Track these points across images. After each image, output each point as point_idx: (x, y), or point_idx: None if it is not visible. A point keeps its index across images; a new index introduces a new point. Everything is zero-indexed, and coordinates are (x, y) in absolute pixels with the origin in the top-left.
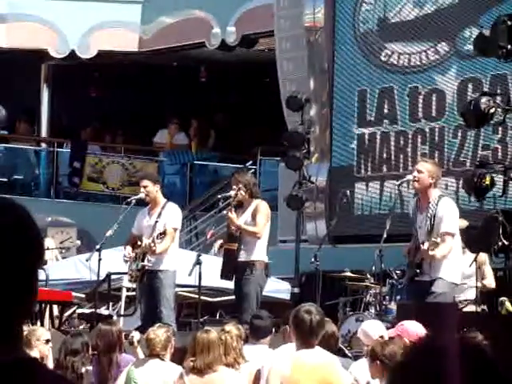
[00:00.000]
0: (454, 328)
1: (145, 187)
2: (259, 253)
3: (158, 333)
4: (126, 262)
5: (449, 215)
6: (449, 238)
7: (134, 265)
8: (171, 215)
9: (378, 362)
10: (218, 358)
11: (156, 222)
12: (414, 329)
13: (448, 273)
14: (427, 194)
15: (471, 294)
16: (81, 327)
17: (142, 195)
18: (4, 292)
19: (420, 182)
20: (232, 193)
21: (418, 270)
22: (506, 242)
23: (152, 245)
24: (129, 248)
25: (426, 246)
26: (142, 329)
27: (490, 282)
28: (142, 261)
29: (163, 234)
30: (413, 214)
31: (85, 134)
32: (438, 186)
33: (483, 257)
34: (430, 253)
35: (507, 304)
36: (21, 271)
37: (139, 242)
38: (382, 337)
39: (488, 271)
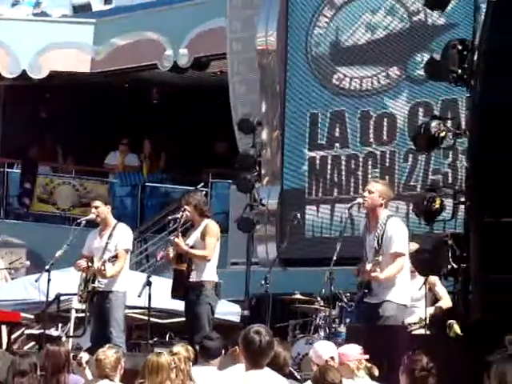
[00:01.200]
0: (401, 350)
1: (96, 208)
2: (209, 273)
3: (107, 353)
4: (79, 270)
5: (397, 235)
6: (399, 259)
7: (84, 286)
8: (122, 236)
9: None
10: (166, 380)
11: (107, 243)
12: (351, 352)
13: (396, 295)
14: (376, 214)
15: (420, 317)
16: (26, 347)
17: (92, 216)
18: None
19: (370, 201)
20: (180, 214)
21: (366, 290)
22: (455, 266)
23: (102, 268)
24: (82, 261)
25: (368, 267)
26: (92, 350)
27: (447, 302)
28: (93, 282)
29: (115, 257)
30: (363, 234)
31: (35, 154)
32: (388, 207)
33: (433, 280)
34: (372, 274)
35: (455, 327)
36: None
37: (89, 263)
38: (332, 358)
39: (442, 291)
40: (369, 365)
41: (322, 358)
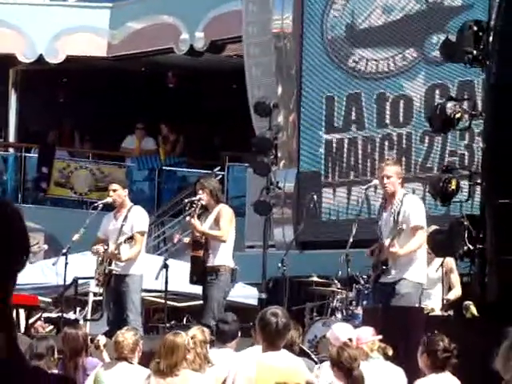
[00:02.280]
0: (418, 331)
1: (114, 191)
2: (225, 258)
3: (126, 336)
4: (95, 254)
5: (416, 209)
6: (419, 232)
7: (102, 268)
8: (138, 219)
9: (336, 368)
10: (182, 360)
11: (122, 225)
12: (364, 334)
13: (412, 273)
14: (394, 194)
15: (438, 301)
16: (44, 331)
17: (109, 199)
18: None
19: (392, 186)
20: (197, 198)
21: (384, 267)
22: (471, 247)
23: (116, 252)
24: (98, 246)
25: (386, 242)
26: (109, 333)
27: (458, 292)
28: (109, 265)
29: (131, 238)
30: (378, 214)
31: (52, 138)
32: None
33: (450, 264)
34: (391, 249)
35: (472, 308)
36: (7, 268)
37: (105, 247)
38: (350, 339)
39: (455, 280)
40: (382, 345)
41: (340, 340)
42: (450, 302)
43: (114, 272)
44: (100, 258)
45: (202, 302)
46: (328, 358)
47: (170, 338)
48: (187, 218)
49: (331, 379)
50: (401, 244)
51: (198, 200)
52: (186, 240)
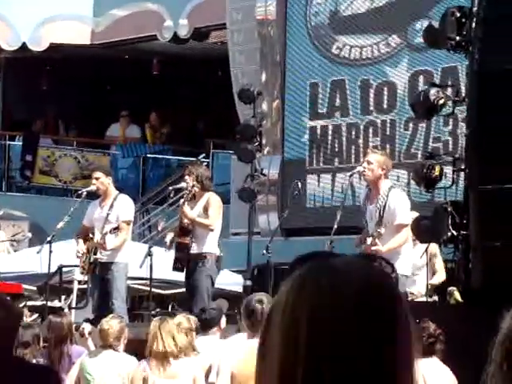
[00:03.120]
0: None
1: (97, 179)
2: (211, 245)
3: (111, 323)
4: (78, 257)
5: (401, 206)
6: (403, 230)
7: (86, 257)
8: (123, 207)
9: None
10: (179, 346)
11: (108, 214)
12: None
13: (398, 266)
14: (378, 186)
15: (422, 287)
16: (29, 319)
17: (93, 187)
18: None
19: (370, 172)
20: (184, 184)
21: None
22: (455, 233)
23: (102, 242)
24: (81, 243)
25: (369, 240)
26: (94, 321)
27: (441, 277)
28: (95, 254)
29: (116, 228)
30: (363, 205)
31: (37, 127)
32: (388, 177)
33: (434, 249)
34: (373, 248)
35: (456, 294)
36: None
37: (91, 235)
38: None
39: (439, 265)
40: None
41: None
42: (434, 287)
43: (99, 260)
44: (85, 247)
45: (186, 289)
46: None
47: (156, 324)
48: (177, 205)
49: None
50: (385, 239)
51: (192, 186)
52: (169, 239)
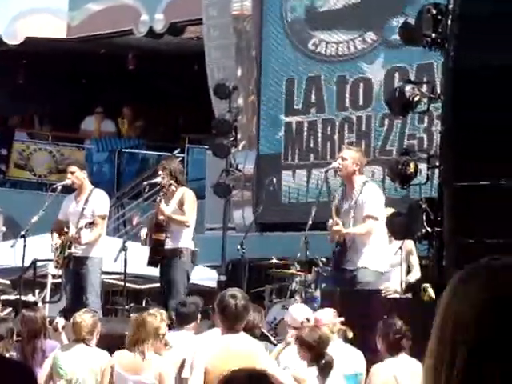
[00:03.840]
0: (375, 314)
1: (72, 173)
2: (185, 240)
3: (84, 317)
4: (55, 250)
5: (372, 199)
6: (369, 221)
7: (61, 252)
8: (98, 202)
9: (305, 347)
10: (150, 339)
11: (83, 208)
12: (325, 316)
13: (373, 261)
14: (352, 181)
15: (397, 283)
16: (2, 313)
17: (68, 181)
18: None
19: (344, 169)
20: (159, 179)
21: (338, 247)
22: (429, 230)
23: (77, 236)
24: (55, 237)
25: (330, 222)
26: (68, 315)
27: (416, 274)
28: (69, 248)
29: (91, 224)
30: (338, 203)
31: (12, 120)
32: (363, 173)
33: (410, 246)
34: (334, 228)
35: (429, 290)
36: None
37: (65, 229)
38: (308, 319)
39: (415, 262)
40: (343, 328)
41: (297, 321)
42: (410, 285)
43: (73, 254)
44: (60, 241)
45: (160, 284)
46: (290, 336)
47: (138, 316)
48: (157, 199)
49: (286, 363)
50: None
51: (170, 185)
52: (143, 234)
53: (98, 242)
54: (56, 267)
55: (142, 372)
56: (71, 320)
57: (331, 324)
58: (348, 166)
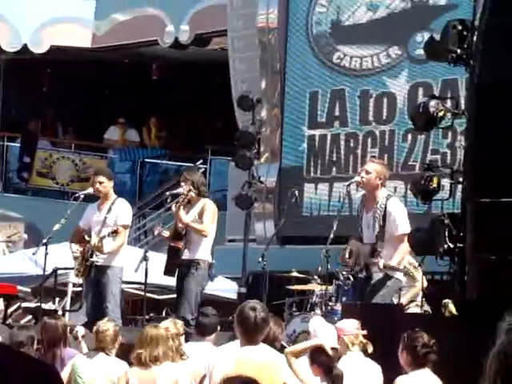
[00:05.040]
0: (396, 328)
1: (100, 183)
2: (203, 252)
3: (107, 326)
4: (75, 258)
5: (400, 216)
6: (405, 239)
7: (82, 260)
8: (121, 212)
9: (316, 365)
10: (165, 352)
11: (106, 217)
12: (342, 325)
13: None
14: (374, 194)
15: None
16: (23, 321)
17: (90, 190)
18: None
19: (367, 182)
20: (181, 190)
21: (366, 273)
22: (451, 245)
23: (99, 245)
24: (74, 246)
25: (381, 264)
26: (88, 324)
27: (422, 284)
28: (91, 257)
29: (115, 232)
30: (359, 212)
31: (35, 128)
32: (385, 186)
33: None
34: (380, 265)
35: (450, 306)
36: None
37: (86, 237)
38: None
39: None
40: (364, 341)
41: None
42: (427, 296)
43: (95, 263)
44: (81, 249)
45: (176, 294)
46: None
47: (153, 330)
48: (173, 208)
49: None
50: (386, 249)
51: (189, 191)
52: (166, 234)
53: (120, 251)
54: (77, 275)
55: (157, 382)
56: (94, 328)
57: (353, 336)
58: (371, 179)
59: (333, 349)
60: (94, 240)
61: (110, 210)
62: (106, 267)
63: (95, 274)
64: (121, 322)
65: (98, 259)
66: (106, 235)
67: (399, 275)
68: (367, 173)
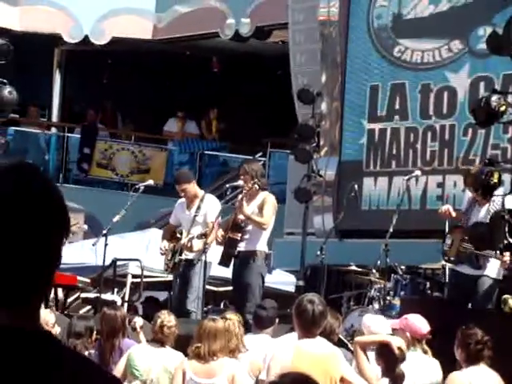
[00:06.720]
0: (455, 323)
1: (183, 190)
2: (261, 243)
3: (168, 318)
4: (162, 254)
5: None
6: None
7: (172, 257)
8: (211, 208)
9: (382, 358)
10: (224, 347)
11: (195, 215)
12: (418, 325)
13: (493, 268)
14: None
15: None
16: (82, 311)
17: (150, 181)
18: (27, 263)
19: None
20: (240, 182)
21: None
22: (511, 241)
23: (189, 245)
24: (165, 242)
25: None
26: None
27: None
28: (180, 254)
29: (204, 235)
30: (468, 206)
31: (95, 119)
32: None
33: None
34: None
35: (510, 302)
36: (49, 241)
37: (178, 234)
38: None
39: None
40: (426, 348)
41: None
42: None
43: (185, 257)
44: (172, 246)
45: (233, 287)
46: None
47: (211, 324)
48: (239, 197)
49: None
50: None
51: (253, 184)
52: (220, 236)
53: (210, 247)
54: (166, 270)
55: (214, 376)
56: (154, 319)
57: (420, 336)
58: None
59: (399, 349)
60: (184, 240)
61: (199, 207)
62: (194, 261)
63: (184, 267)
64: (199, 314)
65: (188, 254)
66: (196, 237)
67: (498, 274)
68: None
